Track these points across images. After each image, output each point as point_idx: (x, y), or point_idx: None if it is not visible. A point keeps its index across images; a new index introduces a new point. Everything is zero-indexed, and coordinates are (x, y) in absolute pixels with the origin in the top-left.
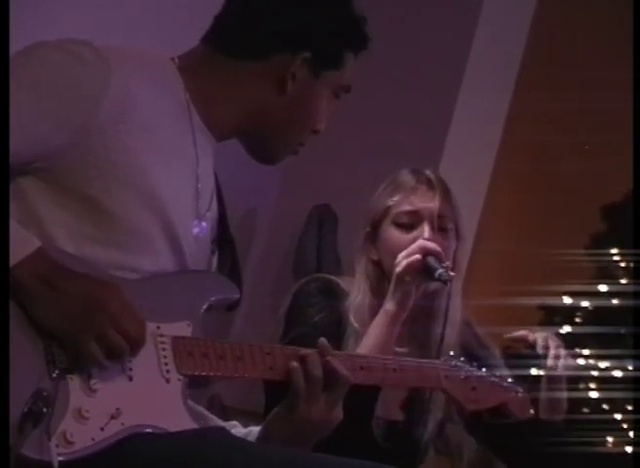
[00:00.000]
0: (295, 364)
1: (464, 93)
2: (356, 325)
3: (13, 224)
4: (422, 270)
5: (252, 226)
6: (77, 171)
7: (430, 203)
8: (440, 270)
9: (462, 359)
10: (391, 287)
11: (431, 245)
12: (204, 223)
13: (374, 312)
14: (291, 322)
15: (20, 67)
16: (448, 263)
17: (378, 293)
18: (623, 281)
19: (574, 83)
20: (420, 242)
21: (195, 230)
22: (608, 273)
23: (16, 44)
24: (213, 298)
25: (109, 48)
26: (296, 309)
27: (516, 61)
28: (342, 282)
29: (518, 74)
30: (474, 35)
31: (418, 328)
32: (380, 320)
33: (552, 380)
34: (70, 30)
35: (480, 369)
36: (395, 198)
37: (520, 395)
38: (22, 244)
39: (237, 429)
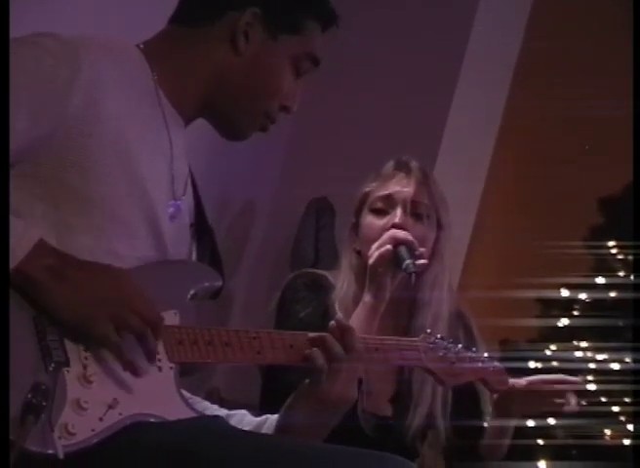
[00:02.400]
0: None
1: (463, 83)
2: (341, 315)
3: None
4: (394, 261)
5: (250, 219)
6: (55, 161)
7: (405, 188)
8: (407, 261)
9: (440, 336)
10: (367, 278)
11: (402, 234)
12: (180, 205)
13: (358, 302)
14: (279, 317)
15: None
16: (421, 251)
17: (361, 284)
18: (621, 273)
19: (572, 81)
20: (391, 232)
21: (171, 210)
22: (606, 265)
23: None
24: (196, 286)
25: (77, 38)
26: (283, 305)
27: (513, 56)
28: (331, 275)
29: (515, 69)
30: (470, 33)
31: (401, 320)
32: (358, 312)
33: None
34: (72, 26)
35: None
36: (373, 184)
37: (497, 369)
38: (22, 238)
39: (248, 418)
